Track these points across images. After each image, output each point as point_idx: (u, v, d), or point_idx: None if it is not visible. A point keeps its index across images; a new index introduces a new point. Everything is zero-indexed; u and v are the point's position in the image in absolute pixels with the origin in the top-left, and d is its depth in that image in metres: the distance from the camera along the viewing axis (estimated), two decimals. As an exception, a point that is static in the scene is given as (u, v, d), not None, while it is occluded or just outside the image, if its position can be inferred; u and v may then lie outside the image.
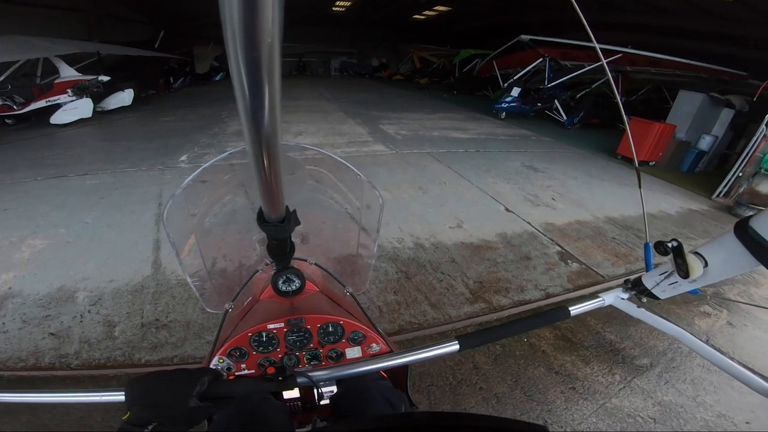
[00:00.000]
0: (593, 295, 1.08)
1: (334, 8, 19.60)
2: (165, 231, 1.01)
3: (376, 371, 0.87)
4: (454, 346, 0.85)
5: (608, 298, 1.09)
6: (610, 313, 3.14)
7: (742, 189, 5.57)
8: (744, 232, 0.74)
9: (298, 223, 0.79)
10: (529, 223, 4.40)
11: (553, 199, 5.17)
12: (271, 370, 0.79)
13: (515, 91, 10.61)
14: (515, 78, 11.11)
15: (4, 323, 2.65)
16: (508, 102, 10.55)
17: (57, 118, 8.76)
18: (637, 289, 1.10)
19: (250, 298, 1.16)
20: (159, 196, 4.69)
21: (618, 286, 1.16)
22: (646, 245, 1.13)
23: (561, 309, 1.00)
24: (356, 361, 0.85)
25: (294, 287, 1.02)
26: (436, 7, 18.47)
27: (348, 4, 18.91)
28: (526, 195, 5.23)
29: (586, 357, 2.57)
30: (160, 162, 5.96)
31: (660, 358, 2.58)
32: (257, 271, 1.21)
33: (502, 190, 5.30)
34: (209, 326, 2.63)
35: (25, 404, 0.83)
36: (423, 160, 6.33)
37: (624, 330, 2.80)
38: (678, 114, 7.62)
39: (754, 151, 5.53)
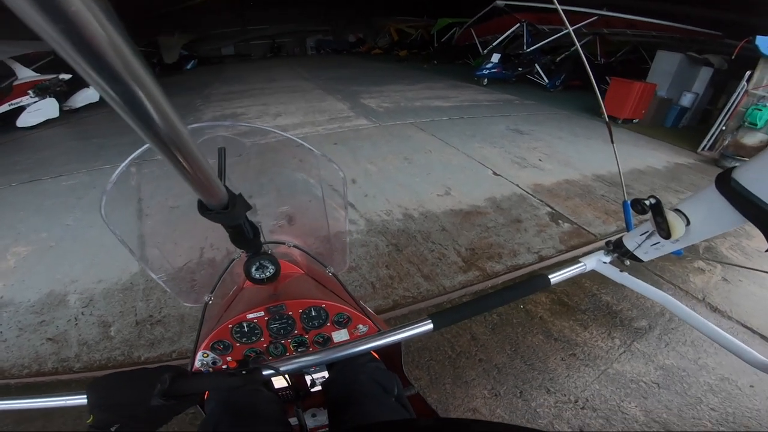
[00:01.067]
0: (574, 260, 1.02)
1: None
2: (109, 229, 0.94)
3: (367, 352, 0.81)
4: (428, 326, 0.78)
5: (590, 263, 1.00)
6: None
7: (727, 142, 5.65)
8: (726, 185, 0.68)
9: (248, 207, 0.70)
10: (517, 185, 4.36)
11: (540, 160, 5.12)
12: (232, 365, 0.79)
13: (495, 58, 10.48)
14: (494, 44, 10.93)
15: (1, 332, 2.57)
16: (489, 68, 10.41)
17: (23, 121, 8.39)
18: (618, 251, 1.01)
19: (235, 287, 1.11)
20: (139, 190, 4.52)
21: (600, 249, 1.07)
22: (624, 203, 1.05)
23: (540, 277, 0.92)
24: (324, 350, 0.78)
25: (268, 273, 0.94)
26: None
27: None
28: (513, 158, 5.17)
29: (584, 321, 2.55)
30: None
31: (658, 319, 2.56)
32: (234, 259, 1.13)
33: (488, 155, 5.23)
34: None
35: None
36: (407, 130, 6.19)
37: (620, 291, 2.77)
38: (658, 73, 7.70)
39: (736, 106, 5.59)
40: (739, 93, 5.56)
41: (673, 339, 2.42)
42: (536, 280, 0.92)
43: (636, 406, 2.03)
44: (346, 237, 1.22)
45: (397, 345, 0.88)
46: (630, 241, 0.97)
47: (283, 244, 1.15)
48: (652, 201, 0.79)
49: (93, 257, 3.34)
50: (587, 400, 2.06)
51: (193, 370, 0.90)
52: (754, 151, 5.30)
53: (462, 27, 14.38)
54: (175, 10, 17.06)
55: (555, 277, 0.94)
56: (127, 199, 1.06)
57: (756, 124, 5.27)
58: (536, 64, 10.40)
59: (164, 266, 1.08)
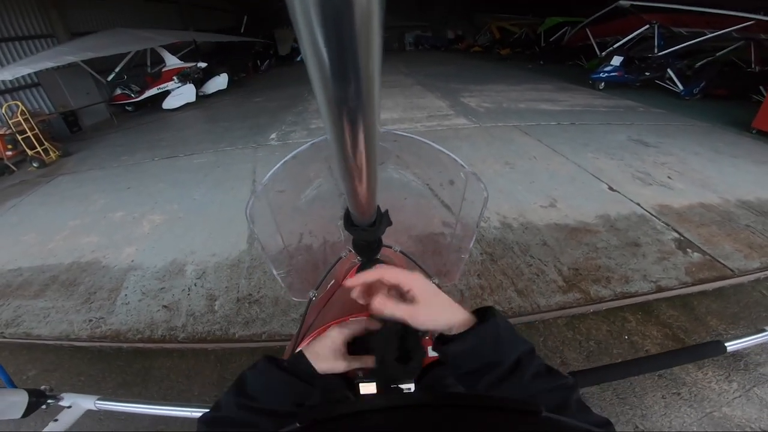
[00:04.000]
0: (758, 330, 0.87)
1: None
2: (249, 227, 1.00)
3: None
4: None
5: None
6: (737, 313, 2.67)
7: None
8: None
9: (389, 224, 0.69)
10: (638, 204, 3.87)
11: (669, 177, 4.47)
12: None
13: (616, 60, 9.51)
14: (616, 46, 10.00)
15: (126, 295, 3.05)
16: (608, 71, 9.45)
17: (168, 104, 9.94)
18: None
19: (333, 282, 1.13)
20: (253, 173, 5.06)
21: None
22: None
23: (717, 344, 0.83)
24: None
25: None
26: None
27: None
28: (635, 172, 4.59)
29: (702, 363, 2.21)
30: (253, 141, 6.42)
31: None
32: (341, 257, 1.17)
33: (604, 167, 4.73)
34: (294, 303, 2.75)
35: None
36: (509, 133, 5.91)
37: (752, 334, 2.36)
38: None
39: None
40: None
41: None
42: (712, 347, 0.82)
43: None
44: (467, 255, 1.19)
45: None
46: None
47: (390, 248, 1.15)
48: None
49: (210, 231, 3.81)
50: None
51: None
52: None
53: (574, 27, 13.41)
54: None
55: (733, 346, 0.83)
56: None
57: None
58: (669, 69, 9.14)
59: (282, 262, 1.14)
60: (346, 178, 0.41)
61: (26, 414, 0.85)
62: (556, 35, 15.33)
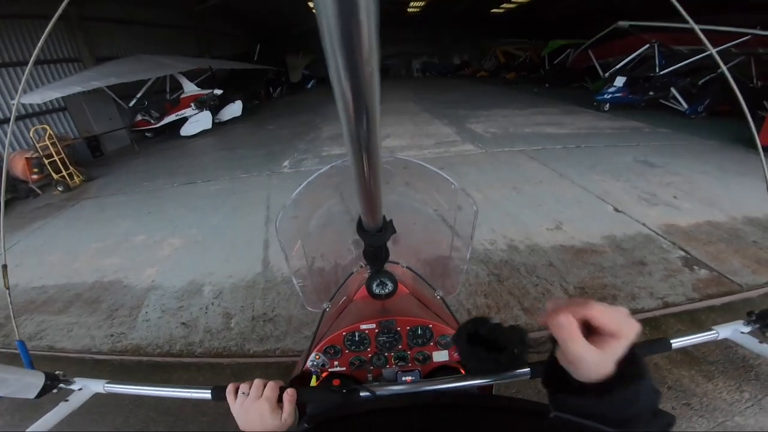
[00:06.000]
0: (703, 328, 0.96)
1: (408, 9, 19.70)
2: (277, 238, 1.12)
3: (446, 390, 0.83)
4: (524, 373, 0.78)
5: (723, 332, 0.96)
6: None
7: None
8: None
9: (394, 231, 0.81)
10: (644, 224, 3.91)
11: (675, 197, 4.51)
12: (336, 382, 0.85)
13: (620, 81, 9.60)
14: (618, 67, 10.16)
15: (147, 312, 3.21)
16: (612, 92, 9.55)
17: (185, 130, 10.19)
18: (763, 322, 0.95)
19: (345, 298, 1.22)
20: (267, 200, 5.26)
21: (738, 320, 1.01)
22: None
23: (663, 341, 0.88)
24: (420, 382, 0.84)
25: (387, 290, 1.05)
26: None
27: (422, 4, 18.77)
28: (641, 193, 4.65)
29: (710, 373, 2.25)
30: (267, 168, 6.67)
31: None
32: (352, 272, 1.26)
33: (610, 189, 4.80)
34: (307, 322, 2.86)
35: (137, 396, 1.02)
36: (516, 158, 6.05)
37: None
38: None
39: None
40: None
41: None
42: (659, 344, 0.89)
43: None
44: (465, 265, 1.28)
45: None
46: None
47: (398, 263, 1.23)
48: None
49: (227, 255, 3.97)
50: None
51: (304, 368, 1.00)
52: None
53: (577, 49, 13.64)
54: (301, 31, 18.88)
55: (677, 343, 0.89)
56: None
57: None
58: (672, 88, 9.21)
59: (302, 273, 1.24)
60: (361, 189, 0.53)
61: (39, 395, 0.91)
62: (560, 58, 15.53)
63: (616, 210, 4.26)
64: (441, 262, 1.33)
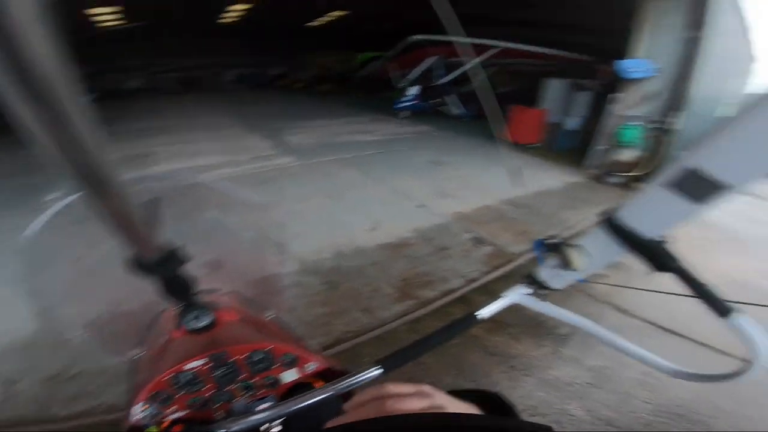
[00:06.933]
0: (497, 296, 1.10)
1: (221, 19, 18.42)
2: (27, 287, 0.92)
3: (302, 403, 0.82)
4: (377, 371, 0.83)
5: (512, 297, 1.10)
6: None
7: (606, 160, 6.47)
8: (611, 225, 0.80)
9: (186, 259, 0.72)
10: (439, 214, 4.60)
11: (459, 189, 5.50)
12: (177, 429, 0.79)
13: (413, 90, 11.08)
14: (411, 78, 11.52)
15: None
16: (408, 101, 11.00)
17: None
18: (536, 283, 1.12)
19: (162, 339, 1.07)
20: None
21: (520, 282, 1.16)
22: (534, 242, 1.20)
23: (470, 316, 1.00)
24: (269, 409, 0.78)
25: (204, 322, 0.94)
26: (332, 13, 18.46)
27: (238, 13, 17.90)
28: (434, 188, 5.47)
29: (516, 334, 2.74)
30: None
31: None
32: (161, 311, 1.12)
33: (411, 187, 5.47)
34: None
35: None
36: (331, 167, 6.26)
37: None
38: (548, 100, 8.60)
39: (608, 126, 6.41)
40: (610, 114, 6.46)
41: (593, 341, 2.70)
42: (466, 320, 0.98)
43: (579, 407, 2.22)
44: (282, 279, 1.26)
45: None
46: (543, 274, 1.08)
47: (217, 291, 1.14)
48: (555, 240, 0.92)
49: None
50: (536, 407, 2.20)
51: (133, 423, 0.85)
52: (628, 167, 6.21)
53: (381, 60, 14.57)
54: (80, 39, 15.34)
55: (482, 314, 1.00)
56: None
57: (626, 142, 6.11)
58: (450, 95, 11.16)
59: (80, 323, 1.05)
60: (109, 219, 0.45)
61: None
62: (370, 69, 16.45)
63: (419, 205, 4.88)
64: (267, 280, 1.27)
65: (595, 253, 0.90)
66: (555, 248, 0.93)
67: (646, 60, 5.92)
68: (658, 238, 0.74)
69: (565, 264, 0.92)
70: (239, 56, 22.26)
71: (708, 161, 0.59)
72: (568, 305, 1.03)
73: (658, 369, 0.93)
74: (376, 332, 2.76)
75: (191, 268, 1.06)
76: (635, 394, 2.33)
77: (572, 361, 2.55)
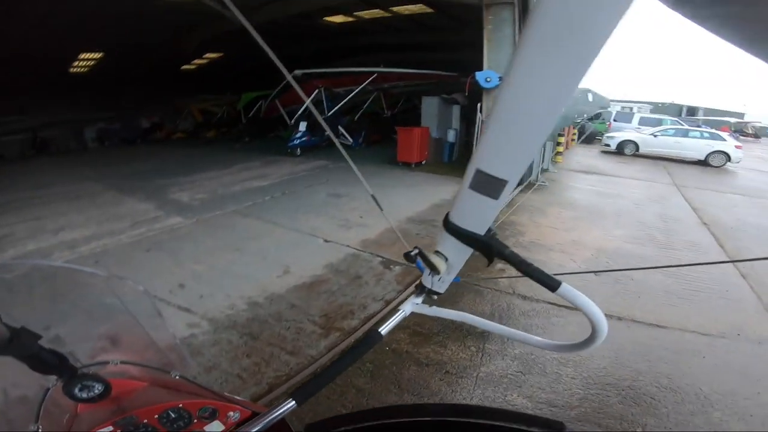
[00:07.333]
0: (395, 309, 1.12)
1: (72, 69, 16.13)
2: None
3: None
4: (290, 404, 0.80)
5: (407, 307, 1.11)
6: (440, 297, 3.70)
7: None
8: (450, 227, 0.84)
9: (37, 336, 0.71)
10: (347, 245, 4.73)
11: (360, 217, 5.71)
12: None
13: (302, 126, 11.05)
14: (299, 113, 11.39)
15: None
16: (299, 138, 10.95)
17: None
18: (425, 291, 1.14)
19: (67, 415, 0.99)
20: None
21: (413, 293, 1.19)
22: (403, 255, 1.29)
23: (373, 333, 1.00)
24: None
25: (97, 390, 0.90)
26: (206, 55, 17.52)
27: (92, 63, 15.87)
28: (338, 221, 5.60)
29: (441, 341, 2.92)
30: None
31: (491, 318, 3.17)
32: (48, 388, 1.00)
33: (316, 224, 5.51)
34: None
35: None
36: (230, 219, 5.96)
37: (455, 307, 3.32)
38: (427, 117, 9.33)
39: (479, 134, 7.25)
40: (478, 125, 7.37)
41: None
42: (370, 337, 0.98)
43: (519, 396, 2.41)
44: (176, 339, 1.21)
45: (281, 423, 0.85)
46: (426, 281, 1.11)
47: (108, 363, 1.07)
48: (416, 251, 0.93)
49: None
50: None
51: None
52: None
53: (267, 99, 14.15)
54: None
55: (384, 329, 1.01)
56: None
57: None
58: (339, 126, 11.45)
59: None
60: None
61: None
62: (254, 110, 15.90)
63: (326, 241, 4.94)
64: (156, 344, 1.18)
65: (450, 254, 0.95)
66: (421, 257, 0.96)
67: (492, 71, 6.91)
68: (486, 232, 0.80)
69: (433, 269, 0.97)
70: (98, 110, 19.68)
71: (484, 162, 0.67)
72: (482, 302, 1.16)
73: (534, 345, 1.03)
74: (309, 369, 2.74)
75: (77, 345, 1.02)
76: (562, 372, 2.61)
77: (497, 354, 2.80)
